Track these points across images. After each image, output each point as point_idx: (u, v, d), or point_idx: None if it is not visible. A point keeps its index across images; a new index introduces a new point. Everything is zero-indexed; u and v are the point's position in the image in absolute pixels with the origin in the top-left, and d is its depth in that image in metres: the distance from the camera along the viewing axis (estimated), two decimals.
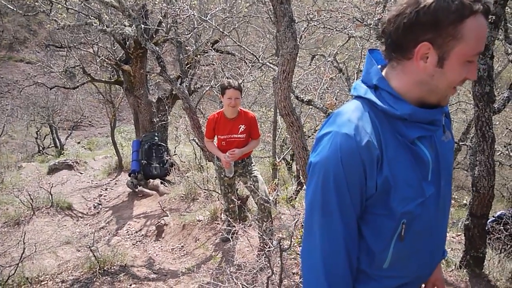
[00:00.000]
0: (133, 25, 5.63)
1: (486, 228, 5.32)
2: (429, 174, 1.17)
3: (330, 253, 1.14)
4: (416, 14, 1.03)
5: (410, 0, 1.06)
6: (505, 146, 8.33)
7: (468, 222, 3.56)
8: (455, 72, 1.09)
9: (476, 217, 3.51)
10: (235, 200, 4.24)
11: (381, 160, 1.10)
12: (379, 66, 1.21)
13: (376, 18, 3.24)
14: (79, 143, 20.47)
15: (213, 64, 7.92)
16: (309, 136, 9.33)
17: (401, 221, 1.14)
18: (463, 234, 3.77)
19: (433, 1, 1.02)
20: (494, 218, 5.41)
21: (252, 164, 4.18)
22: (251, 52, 5.71)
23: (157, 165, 7.98)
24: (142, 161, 7.90)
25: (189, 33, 6.56)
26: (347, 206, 1.12)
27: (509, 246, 4.79)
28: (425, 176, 1.16)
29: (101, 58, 9.03)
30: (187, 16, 6.24)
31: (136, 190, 7.70)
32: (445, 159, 1.23)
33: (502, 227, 5.01)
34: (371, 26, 3.40)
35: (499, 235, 4.87)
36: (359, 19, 3.49)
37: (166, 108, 8.07)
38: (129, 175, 8.07)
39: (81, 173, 10.82)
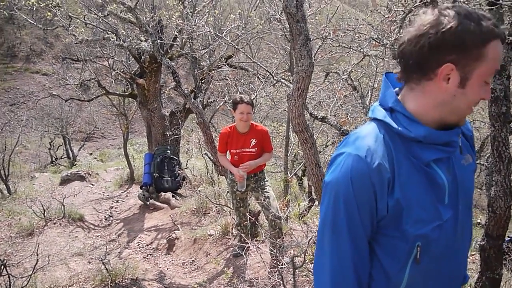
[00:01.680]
0: (149, 40, 5.73)
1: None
2: (446, 197, 1.17)
3: (338, 271, 1.15)
4: (442, 35, 1.04)
5: (431, 20, 1.07)
6: None
7: (483, 243, 3.51)
8: (475, 93, 1.10)
9: (492, 238, 3.46)
10: (247, 215, 4.23)
11: (392, 182, 1.11)
12: (396, 89, 1.22)
13: (393, 38, 3.26)
14: (91, 154, 20.67)
15: (227, 79, 8.00)
16: (320, 152, 9.31)
17: (415, 243, 1.13)
18: (477, 254, 3.71)
19: (459, 23, 1.03)
20: (509, 239, 5.31)
21: (265, 180, 4.18)
22: (265, 68, 5.75)
23: (169, 178, 8.00)
24: (154, 174, 7.92)
25: (204, 49, 6.64)
26: (356, 226, 1.13)
27: None
28: (441, 199, 1.16)
29: (116, 71, 9.17)
30: (203, 32, 6.35)
31: (148, 203, 7.72)
32: (464, 183, 1.22)
33: None
34: (387, 46, 3.43)
35: None
36: (376, 39, 3.52)
37: (179, 122, 8.13)
38: (141, 188, 8.10)
39: (92, 185, 10.88)
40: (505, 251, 5.15)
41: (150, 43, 5.62)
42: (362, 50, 4.15)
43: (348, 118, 4.55)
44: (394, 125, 1.15)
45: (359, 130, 1.20)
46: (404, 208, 1.11)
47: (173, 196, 7.75)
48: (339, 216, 1.13)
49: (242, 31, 6.70)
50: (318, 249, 1.20)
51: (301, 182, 9.01)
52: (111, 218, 7.85)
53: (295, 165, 8.57)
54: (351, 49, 4.26)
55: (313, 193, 6.04)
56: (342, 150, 1.16)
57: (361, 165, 1.10)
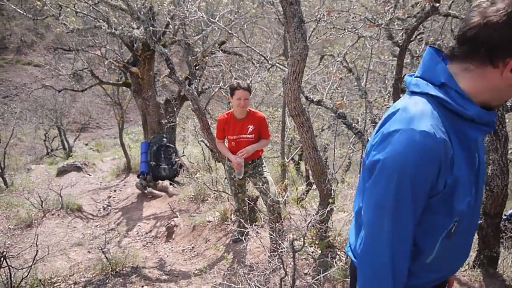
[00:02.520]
0: (141, 28, 5.64)
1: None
2: (474, 173, 1.23)
3: (399, 249, 1.17)
4: None
5: None
6: None
7: (481, 221, 3.54)
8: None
9: (490, 216, 3.48)
10: (246, 200, 4.23)
11: (453, 159, 1.14)
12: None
13: (388, 18, 3.23)
14: (87, 144, 20.59)
15: (221, 65, 7.93)
16: (316, 136, 9.32)
17: (454, 219, 1.19)
18: (475, 233, 3.75)
19: None
20: (506, 217, 5.36)
21: (263, 165, 4.17)
22: (259, 52, 5.70)
23: (166, 166, 8.00)
24: (151, 163, 7.93)
25: (197, 35, 6.56)
26: (419, 201, 1.14)
27: None
28: (473, 175, 1.22)
29: (109, 60, 9.07)
30: (195, 18, 6.26)
31: (145, 191, 7.73)
32: (483, 160, 1.29)
33: None
34: (382, 26, 3.39)
35: (511, 234, 4.83)
36: (370, 20, 3.47)
37: (174, 109, 8.08)
38: (138, 177, 8.10)
39: (89, 175, 10.87)
40: (502, 229, 5.21)
41: (142, 30, 5.54)
42: (356, 31, 4.11)
43: (344, 101, 4.53)
44: (451, 102, 1.16)
45: (409, 106, 1.18)
46: (458, 184, 1.15)
47: (170, 184, 7.76)
48: (404, 194, 1.12)
49: (235, 15, 6.62)
50: (372, 228, 1.20)
51: (298, 166, 9.04)
52: (109, 207, 7.84)
53: (291, 150, 8.58)
54: (346, 31, 4.22)
55: (310, 177, 6.06)
56: (398, 127, 1.14)
57: (430, 141, 1.09)
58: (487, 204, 3.47)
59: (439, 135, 1.10)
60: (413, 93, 1.24)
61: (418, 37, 4.72)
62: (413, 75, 1.31)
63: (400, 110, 1.19)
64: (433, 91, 1.18)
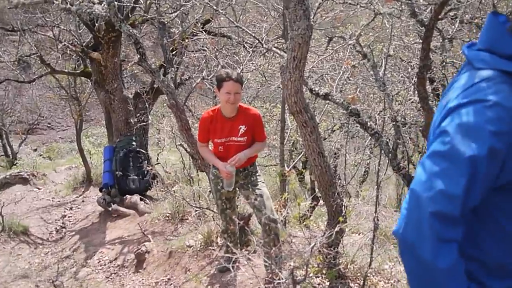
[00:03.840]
0: (104, 3, 5.66)
1: None
2: None
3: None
4: None
5: None
6: None
7: None
8: None
9: None
10: (235, 218, 4.24)
11: None
12: None
13: None
14: (35, 150, 20.49)
15: (205, 50, 7.94)
16: (325, 138, 9.37)
17: None
18: None
19: None
20: None
21: (257, 174, 4.19)
22: (252, 34, 5.72)
23: (136, 177, 8.00)
24: (117, 173, 7.92)
25: (174, 12, 6.58)
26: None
27: None
28: None
29: (63, 44, 9.07)
30: None
31: (110, 208, 7.71)
32: None
33: None
34: (404, 0, 3.42)
35: None
36: None
37: (146, 105, 8.09)
38: (100, 190, 8.08)
39: (39, 189, 10.80)
40: None
41: (105, 5, 5.55)
42: (372, 7, 4.14)
43: (357, 94, 4.56)
44: None
45: (477, 80, 1.29)
46: None
47: (141, 199, 7.74)
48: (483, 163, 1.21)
49: None
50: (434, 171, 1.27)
51: (301, 176, 9.08)
52: (63, 229, 7.83)
53: (293, 156, 8.61)
54: (359, 6, 4.24)
55: (316, 190, 6.09)
56: (469, 99, 1.26)
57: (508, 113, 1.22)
58: None
59: None
60: (479, 69, 1.33)
61: (449, 14, 4.76)
62: (472, 46, 1.41)
63: (474, 85, 1.30)
64: (508, 66, 1.28)
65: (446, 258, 1.20)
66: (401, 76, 6.60)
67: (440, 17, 3.20)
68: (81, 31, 9.27)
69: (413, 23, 4.22)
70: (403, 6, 3.88)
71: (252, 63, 7.25)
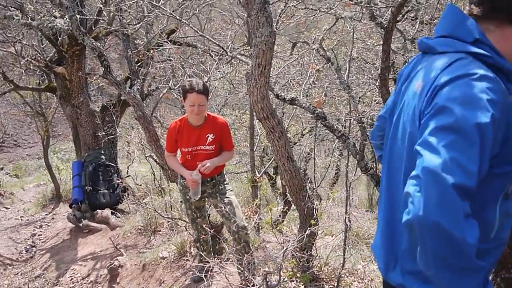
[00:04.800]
0: (66, 16, 5.59)
1: None
2: None
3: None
4: None
5: None
6: None
7: None
8: None
9: None
10: (207, 227, 4.23)
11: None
12: None
13: None
14: (2, 169, 20.05)
15: (171, 60, 7.92)
16: (295, 143, 9.42)
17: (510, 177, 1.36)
18: None
19: None
20: None
21: (225, 183, 4.19)
22: (216, 43, 5.73)
23: (106, 191, 7.90)
24: (86, 188, 7.82)
25: (138, 23, 6.55)
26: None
27: None
28: None
29: (26, 59, 8.90)
30: (133, 2, 6.25)
31: (80, 224, 7.60)
32: None
33: None
34: (363, 4, 3.48)
35: None
36: None
37: (114, 118, 8.00)
38: (70, 206, 7.95)
39: (7, 208, 10.61)
40: None
41: (67, 19, 5.49)
42: (333, 11, 4.20)
43: (323, 98, 4.62)
44: (492, 55, 1.33)
45: (454, 60, 1.35)
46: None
47: (112, 213, 7.66)
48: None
49: None
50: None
51: (273, 182, 9.09)
52: (33, 248, 7.68)
53: (264, 162, 8.63)
54: (319, 11, 4.30)
55: (287, 194, 6.11)
56: (454, 75, 1.31)
57: (498, 85, 1.28)
58: None
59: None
60: (443, 53, 1.41)
61: (409, 15, 4.86)
62: (429, 37, 1.50)
63: (452, 64, 1.35)
64: (472, 48, 1.35)
65: (473, 233, 1.19)
66: (366, 78, 6.70)
67: (398, 19, 3.26)
68: (44, 45, 9.12)
69: (373, 25, 4.29)
70: (363, 9, 3.95)
71: (219, 71, 7.25)
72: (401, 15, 3.68)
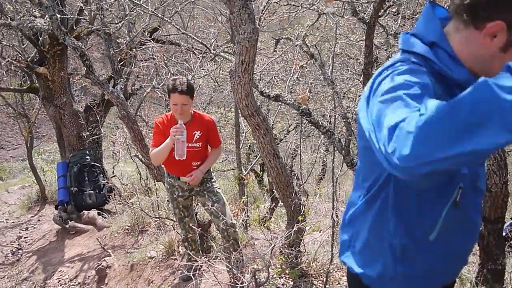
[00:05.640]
0: (46, 16, 5.52)
1: (504, 234, 5.54)
2: None
3: None
4: None
5: None
6: None
7: (481, 228, 3.68)
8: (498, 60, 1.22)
9: (490, 222, 3.63)
10: (194, 226, 4.22)
11: None
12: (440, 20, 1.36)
13: None
14: None
15: (154, 59, 7.87)
16: (281, 140, 9.43)
17: (459, 184, 1.32)
18: (476, 244, 3.90)
19: None
20: (510, 222, 5.62)
21: (212, 180, 4.18)
22: (199, 40, 5.71)
23: (92, 191, 7.85)
24: (72, 189, 7.76)
25: (120, 22, 6.49)
26: None
27: None
28: None
29: (7, 60, 8.78)
30: (115, 1, 6.19)
31: (67, 226, 7.54)
32: None
33: None
34: (344, 0, 3.49)
35: None
36: None
37: (98, 118, 7.94)
38: (56, 208, 7.90)
39: None
40: (507, 236, 5.46)
41: (48, 19, 5.42)
42: (315, 8, 4.20)
43: (307, 94, 4.61)
44: (437, 61, 1.29)
45: (393, 60, 1.33)
46: None
47: (99, 214, 7.60)
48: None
49: None
50: None
51: (260, 178, 9.10)
52: (20, 251, 7.61)
53: (251, 159, 8.63)
54: (301, 7, 4.30)
55: (274, 191, 6.12)
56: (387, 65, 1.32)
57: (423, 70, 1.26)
58: (485, 208, 3.62)
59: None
60: (403, 51, 1.38)
61: (392, 10, 4.89)
62: (406, 33, 1.45)
63: (387, 63, 1.34)
64: (421, 49, 1.31)
65: None
66: (350, 73, 6.73)
67: (380, 14, 3.28)
68: (24, 46, 8.99)
69: (356, 21, 4.31)
70: (345, 5, 3.96)
71: (203, 69, 7.22)
72: (383, 10, 3.69)
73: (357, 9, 3.45)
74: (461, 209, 1.35)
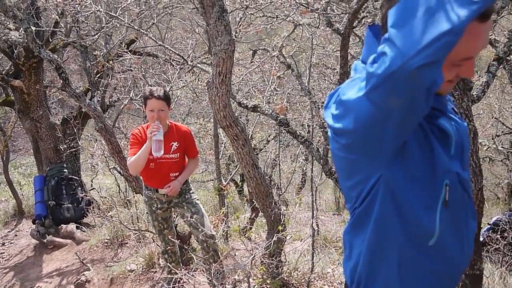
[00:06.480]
0: (21, 29, 5.47)
1: (482, 239, 5.62)
2: None
3: None
4: None
5: None
6: (492, 139, 8.67)
7: None
8: (446, 72, 1.25)
9: None
10: (174, 238, 4.19)
11: None
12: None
13: (324, 1, 3.37)
14: None
15: (132, 70, 7.84)
16: (260, 150, 9.46)
17: (444, 181, 1.34)
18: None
19: None
20: (489, 226, 5.71)
21: (191, 192, 4.17)
22: (176, 52, 5.70)
23: (70, 205, 7.74)
24: (50, 202, 7.65)
25: (96, 34, 6.46)
26: None
27: (509, 257, 5.05)
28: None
29: None
30: (91, 12, 6.16)
31: (45, 240, 7.42)
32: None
33: (500, 236, 5.30)
34: (319, 11, 3.53)
35: (497, 246, 5.14)
36: (304, 4, 3.61)
37: (75, 131, 7.86)
38: (34, 222, 7.77)
39: None
40: (485, 241, 5.53)
41: (23, 32, 5.37)
42: (291, 19, 4.24)
43: (285, 104, 4.64)
44: None
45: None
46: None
47: (77, 227, 7.51)
48: None
49: (144, 7, 6.60)
50: None
51: (240, 189, 9.10)
52: None
53: (230, 169, 8.62)
54: (276, 19, 4.34)
55: (254, 201, 6.12)
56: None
57: None
58: None
59: None
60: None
61: (365, 20, 4.95)
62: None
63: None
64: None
65: None
66: (327, 83, 6.79)
67: (355, 24, 3.32)
68: None
69: (330, 31, 4.36)
70: (320, 16, 4.01)
71: (182, 80, 7.22)
72: (357, 21, 3.75)
73: (332, 20, 3.50)
74: (452, 209, 1.36)
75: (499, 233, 5.23)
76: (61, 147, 8.06)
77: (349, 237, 1.51)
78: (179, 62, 6.79)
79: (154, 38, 6.22)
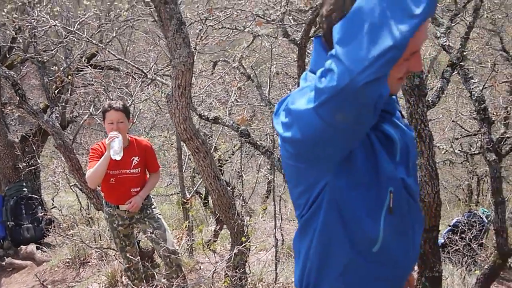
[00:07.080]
0: None
1: (442, 241, 5.75)
2: None
3: None
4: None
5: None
6: (451, 142, 8.93)
7: None
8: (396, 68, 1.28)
9: (426, 231, 3.74)
10: (136, 255, 4.14)
11: None
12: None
13: (280, 12, 3.41)
14: None
15: (93, 84, 7.73)
16: (226, 161, 9.44)
17: (389, 188, 1.34)
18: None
19: None
20: (450, 228, 5.85)
21: (153, 206, 4.13)
22: (136, 66, 5.67)
23: (30, 225, 7.55)
24: (8, 223, 7.45)
25: (55, 49, 6.36)
26: None
27: (469, 257, 5.18)
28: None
29: None
30: (49, 27, 6.06)
31: (3, 263, 7.22)
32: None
33: (459, 237, 5.44)
34: (276, 22, 3.58)
35: (457, 247, 5.27)
36: (260, 15, 3.65)
37: (35, 148, 7.69)
38: None
39: None
40: (445, 243, 5.65)
41: None
42: (248, 30, 4.28)
43: (245, 115, 4.66)
44: None
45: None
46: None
47: (37, 248, 7.32)
48: None
49: (103, 20, 6.54)
50: None
51: (206, 201, 9.05)
52: None
53: (195, 182, 8.57)
54: (234, 30, 4.38)
55: (217, 213, 6.11)
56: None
57: None
58: None
59: None
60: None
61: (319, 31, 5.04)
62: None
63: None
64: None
65: None
66: (290, 92, 6.85)
67: (311, 35, 3.38)
68: None
69: (287, 42, 4.42)
70: (277, 27, 4.06)
71: (144, 93, 7.17)
72: (313, 31, 3.80)
73: (289, 31, 3.55)
74: (397, 215, 1.37)
75: (458, 234, 5.36)
76: (20, 166, 7.87)
77: (298, 244, 1.52)
78: (141, 75, 6.75)
79: (113, 53, 6.17)
